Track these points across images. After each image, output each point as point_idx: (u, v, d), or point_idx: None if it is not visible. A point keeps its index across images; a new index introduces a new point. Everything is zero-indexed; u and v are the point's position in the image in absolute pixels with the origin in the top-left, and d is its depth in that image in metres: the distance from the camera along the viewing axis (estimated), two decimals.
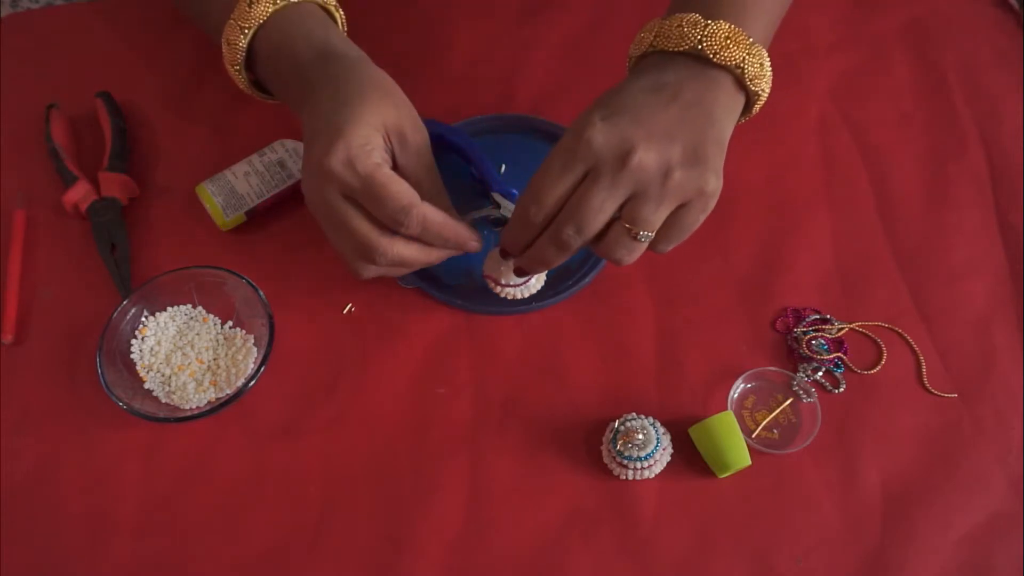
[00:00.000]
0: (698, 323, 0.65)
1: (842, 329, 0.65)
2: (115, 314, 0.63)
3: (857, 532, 0.59)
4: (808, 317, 0.65)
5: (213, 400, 0.63)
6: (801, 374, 0.63)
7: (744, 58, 0.53)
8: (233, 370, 0.63)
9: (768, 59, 0.54)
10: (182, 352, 0.64)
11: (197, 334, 0.65)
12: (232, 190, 0.68)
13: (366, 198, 0.54)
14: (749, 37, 0.53)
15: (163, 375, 0.64)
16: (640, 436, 0.58)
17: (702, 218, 0.53)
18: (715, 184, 0.52)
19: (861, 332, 0.65)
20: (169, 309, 0.66)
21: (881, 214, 0.69)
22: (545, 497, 0.60)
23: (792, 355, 0.64)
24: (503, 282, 0.61)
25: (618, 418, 0.60)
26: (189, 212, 0.70)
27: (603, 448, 0.61)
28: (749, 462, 0.58)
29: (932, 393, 0.63)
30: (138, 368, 0.64)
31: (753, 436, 0.61)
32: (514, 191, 0.68)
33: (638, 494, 0.60)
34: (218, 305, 0.66)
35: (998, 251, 0.68)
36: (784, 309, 0.66)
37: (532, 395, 0.63)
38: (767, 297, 0.66)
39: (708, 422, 0.58)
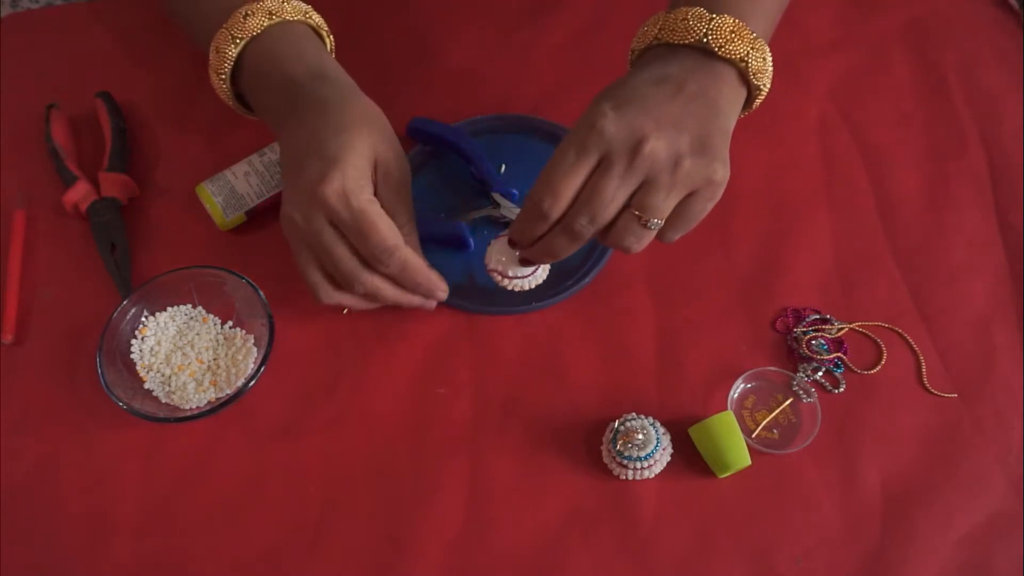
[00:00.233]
0: (698, 323, 0.65)
1: (842, 329, 0.65)
2: (115, 314, 0.63)
3: (857, 532, 0.59)
4: (808, 317, 0.65)
5: (213, 400, 0.63)
6: (801, 374, 0.63)
7: (748, 52, 0.53)
8: (233, 370, 0.63)
9: (770, 55, 0.55)
10: (182, 352, 0.64)
11: (197, 334, 0.65)
12: (232, 190, 0.68)
13: (352, 231, 0.56)
14: (753, 32, 0.54)
15: (163, 375, 0.64)
16: (640, 436, 0.58)
17: (710, 207, 0.54)
18: (723, 173, 0.52)
19: (861, 332, 0.65)
20: (169, 309, 0.66)
21: (881, 214, 0.69)
22: (545, 497, 0.60)
23: (792, 355, 0.64)
24: (510, 274, 0.61)
25: (618, 418, 0.60)
26: (189, 212, 0.70)
27: (603, 448, 0.61)
28: (749, 462, 0.58)
29: (932, 393, 0.63)
30: (138, 368, 0.64)
31: (753, 436, 0.61)
32: (514, 191, 0.68)
33: (638, 494, 0.60)
34: (218, 305, 0.66)
35: (998, 251, 0.68)
36: (784, 309, 0.66)
37: (532, 395, 0.63)
38: (767, 297, 0.66)
39: (708, 422, 0.58)
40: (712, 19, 0.53)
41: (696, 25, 0.53)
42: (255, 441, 0.62)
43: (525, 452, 0.61)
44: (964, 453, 0.61)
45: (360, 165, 0.55)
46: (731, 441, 0.58)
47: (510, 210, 0.68)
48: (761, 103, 0.58)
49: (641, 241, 0.54)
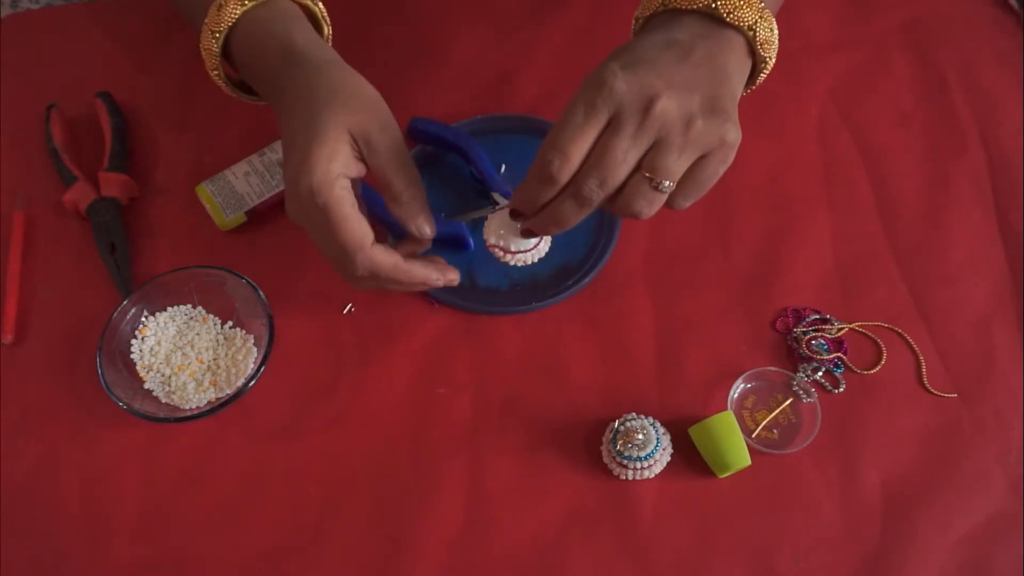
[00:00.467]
0: (698, 323, 0.65)
1: (842, 329, 0.65)
2: (115, 314, 0.63)
3: (857, 532, 0.59)
4: (808, 317, 0.65)
5: (213, 400, 0.63)
6: (801, 374, 0.63)
7: (757, 20, 0.52)
8: (233, 370, 0.63)
9: (776, 27, 0.54)
10: (182, 352, 0.64)
11: (197, 334, 0.65)
12: (232, 190, 0.68)
13: (325, 228, 0.53)
14: (761, 1, 0.52)
15: (163, 375, 0.64)
16: (640, 436, 0.58)
17: (722, 170, 0.52)
18: (735, 135, 0.51)
19: (861, 332, 0.65)
20: (169, 309, 0.66)
21: (881, 214, 0.69)
22: (545, 497, 0.60)
23: (792, 355, 0.64)
24: (512, 249, 0.58)
25: (618, 418, 0.60)
26: (189, 212, 0.70)
27: (603, 448, 0.61)
28: (749, 462, 0.58)
29: (932, 393, 0.63)
30: (138, 368, 0.64)
31: (753, 436, 0.61)
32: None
33: (638, 494, 0.60)
34: (218, 305, 0.66)
35: (998, 251, 0.68)
36: (784, 309, 0.66)
37: (532, 395, 0.63)
38: (767, 297, 0.66)
39: (708, 422, 0.58)
40: None
41: None
42: (255, 441, 0.62)
43: (525, 452, 0.61)
44: (964, 453, 0.61)
45: (329, 155, 0.53)
46: (731, 441, 0.58)
47: None
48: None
49: (652, 205, 0.51)
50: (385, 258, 0.56)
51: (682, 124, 0.49)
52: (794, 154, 0.72)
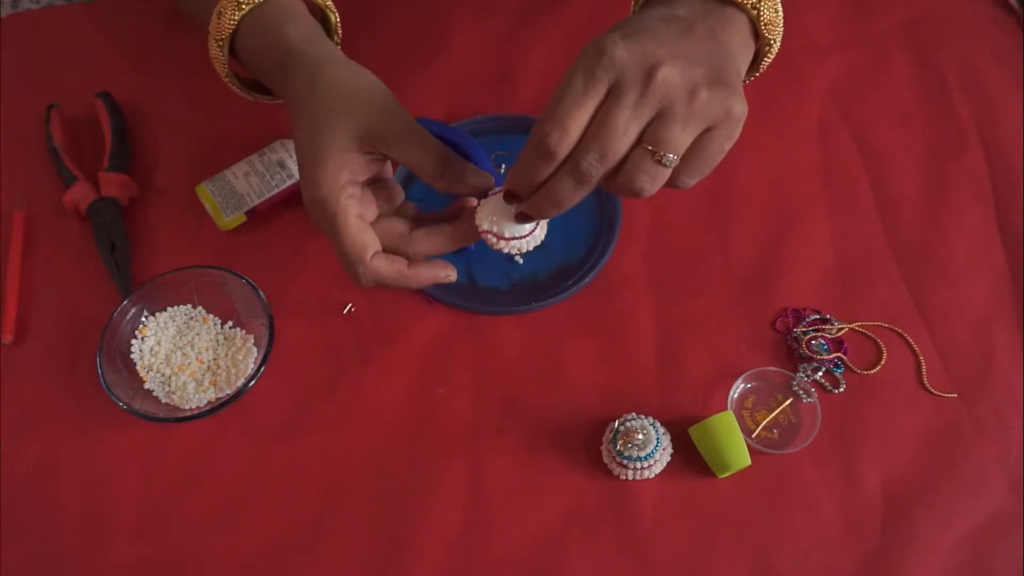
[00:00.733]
0: (698, 323, 0.65)
1: (842, 329, 0.65)
2: (115, 314, 0.63)
3: (857, 532, 0.59)
4: (808, 317, 0.65)
5: (213, 400, 0.63)
6: (801, 374, 0.63)
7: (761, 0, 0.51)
8: (233, 370, 0.63)
9: (781, 9, 0.52)
10: (182, 352, 0.64)
11: (197, 334, 0.65)
12: (232, 190, 0.68)
13: (331, 239, 0.54)
14: None
15: (163, 375, 0.64)
16: (640, 436, 0.58)
17: (727, 146, 0.49)
18: (741, 108, 0.48)
19: (861, 332, 0.65)
20: (169, 309, 0.66)
21: (881, 214, 0.69)
22: (545, 497, 0.60)
23: (792, 355, 0.64)
24: (507, 235, 0.55)
25: (618, 418, 0.60)
26: (189, 212, 0.70)
27: (603, 448, 0.61)
28: (749, 462, 0.58)
29: (932, 393, 0.63)
30: (138, 368, 0.64)
31: (753, 436, 0.61)
32: None
33: (638, 494, 0.60)
34: (218, 305, 0.66)
35: (998, 251, 0.68)
36: (784, 309, 0.66)
37: (532, 395, 0.63)
38: (767, 297, 0.66)
39: (708, 422, 0.58)
40: None
41: None
42: (255, 441, 0.62)
43: (525, 452, 0.61)
44: (964, 453, 0.61)
45: (336, 166, 0.53)
46: (731, 441, 0.58)
47: None
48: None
49: (655, 181, 0.49)
50: (387, 268, 0.55)
51: (686, 94, 0.47)
52: (794, 154, 0.72)
